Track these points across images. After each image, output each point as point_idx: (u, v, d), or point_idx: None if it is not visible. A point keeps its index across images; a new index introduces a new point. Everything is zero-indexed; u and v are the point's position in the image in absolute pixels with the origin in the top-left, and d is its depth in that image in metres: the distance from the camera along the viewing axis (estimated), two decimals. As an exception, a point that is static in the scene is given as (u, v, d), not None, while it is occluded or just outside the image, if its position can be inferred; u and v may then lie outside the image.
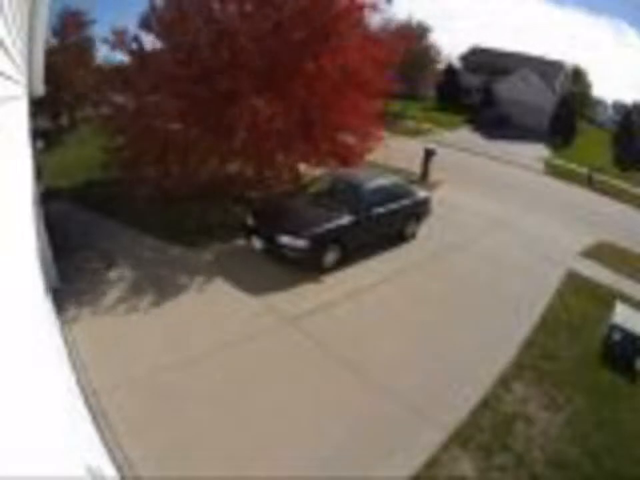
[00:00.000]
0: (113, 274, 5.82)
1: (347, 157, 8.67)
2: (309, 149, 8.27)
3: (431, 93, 36.31)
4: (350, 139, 8.93)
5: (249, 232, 6.61)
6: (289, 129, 7.54)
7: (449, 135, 22.74)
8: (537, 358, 5.13)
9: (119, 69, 9.58)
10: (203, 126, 7.55)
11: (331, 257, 6.43)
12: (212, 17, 7.66)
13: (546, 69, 28.93)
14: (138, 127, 7.53)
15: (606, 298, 6.91)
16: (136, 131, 7.58)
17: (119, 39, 7.88)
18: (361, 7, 8.00)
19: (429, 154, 12.65)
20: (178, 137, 7.56)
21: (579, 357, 5.32)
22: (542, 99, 27.82)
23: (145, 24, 8.11)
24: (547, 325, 5.92)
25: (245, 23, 7.33)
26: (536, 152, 22.13)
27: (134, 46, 7.90)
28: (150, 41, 8.14)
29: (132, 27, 8.24)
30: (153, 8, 8.04)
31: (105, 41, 7.94)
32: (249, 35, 7.10)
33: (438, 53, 34.90)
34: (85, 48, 19.40)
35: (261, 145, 7.44)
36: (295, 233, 6.10)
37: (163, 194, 7.52)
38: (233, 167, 8.99)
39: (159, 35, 8.09)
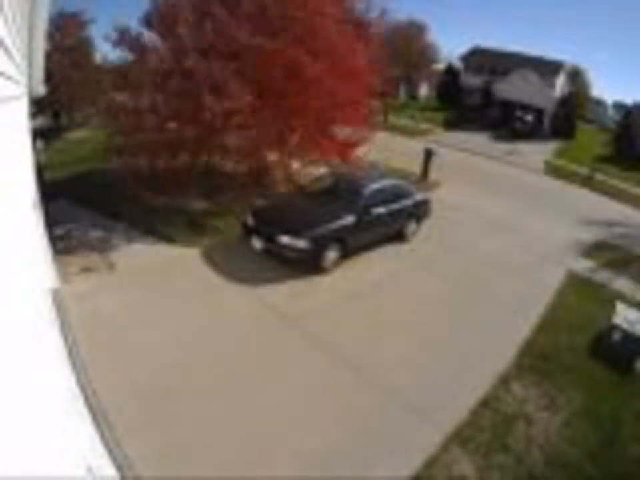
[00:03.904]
0: (112, 273, 5.82)
1: (341, 151, 8.68)
2: (301, 142, 8.25)
3: (427, 92, 36.44)
4: (341, 132, 8.97)
5: (249, 232, 6.60)
6: (279, 122, 7.56)
7: (448, 135, 22.72)
8: (536, 358, 5.14)
9: (118, 69, 9.57)
10: (188, 124, 7.57)
11: (331, 257, 6.43)
12: (202, 12, 7.70)
13: (546, 69, 28.92)
14: (132, 126, 7.55)
15: (606, 298, 6.91)
16: (131, 129, 7.60)
17: (120, 37, 7.86)
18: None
19: (428, 154, 12.66)
20: (172, 135, 7.59)
21: (579, 357, 5.32)
22: (542, 99, 27.82)
23: (146, 21, 8.11)
24: (547, 325, 5.92)
25: (233, 19, 7.39)
26: (536, 152, 22.11)
27: (136, 43, 7.90)
28: (150, 39, 8.15)
29: (132, 25, 8.19)
30: (155, 6, 8.05)
31: (107, 38, 7.92)
32: (238, 26, 7.16)
33: (436, 52, 34.91)
34: (85, 48, 19.39)
35: (253, 141, 7.43)
36: (295, 233, 6.09)
37: (162, 192, 7.54)
38: (229, 166, 9.02)
39: (158, 33, 8.10)
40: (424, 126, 24.09)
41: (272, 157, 8.22)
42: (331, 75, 7.63)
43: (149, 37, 8.08)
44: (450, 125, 25.56)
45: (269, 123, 7.47)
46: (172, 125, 7.71)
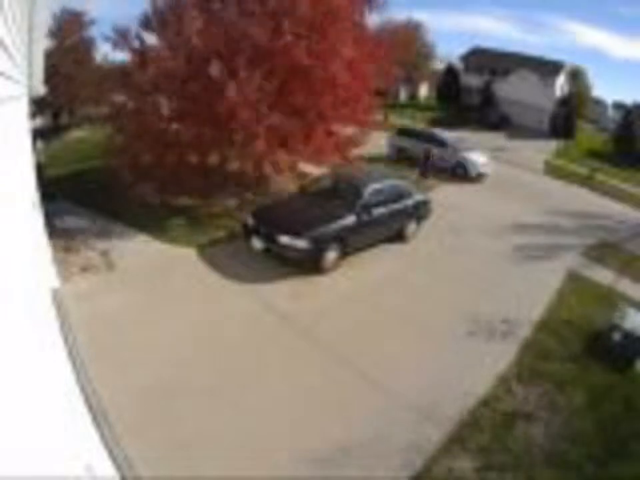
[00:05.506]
0: (112, 273, 5.82)
1: (341, 148, 8.66)
2: (304, 140, 8.23)
3: (427, 92, 36.48)
4: (343, 129, 8.97)
5: (249, 232, 6.60)
6: (285, 123, 7.54)
7: (447, 135, 22.68)
8: (537, 358, 5.14)
9: (119, 68, 9.59)
10: (200, 125, 7.55)
11: (331, 257, 6.42)
12: (210, 13, 7.67)
13: (546, 69, 28.94)
14: (137, 127, 7.52)
15: (606, 298, 6.91)
16: (135, 130, 7.57)
17: (121, 38, 7.86)
18: (357, 3, 8.05)
19: (427, 154, 12.66)
20: (177, 137, 7.56)
21: (579, 357, 5.32)
22: (542, 99, 27.84)
23: (145, 23, 8.10)
24: (547, 325, 5.91)
25: (243, 19, 7.36)
26: (536, 151, 22.12)
27: (136, 44, 7.89)
28: (150, 40, 8.14)
29: (133, 26, 8.19)
30: (154, 7, 8.04)
31: (107, 39, 7.93)
32: (246, 30, 7.13)
33: (433, 49, 34.93)
34: (85, 48, 19.45)
35: (258, 140, 7.39)
36: (295, 233, 6.09)
37: (163, 192, 7.54)
38: (233, 166, 9.00)
39: (158, 34, 8.09)
40: (422, 126, 24.06)
41: (281, 158, 8.15)
42: (343, 77, 7.63)
43: (149, 38, 8.08)
44: (448, 126, 25.57)
45: (280, 123, 7.45)
46: (176, 126, 7.68)
